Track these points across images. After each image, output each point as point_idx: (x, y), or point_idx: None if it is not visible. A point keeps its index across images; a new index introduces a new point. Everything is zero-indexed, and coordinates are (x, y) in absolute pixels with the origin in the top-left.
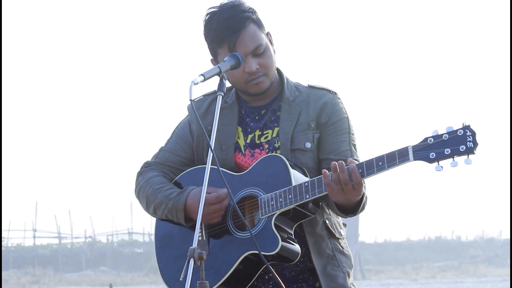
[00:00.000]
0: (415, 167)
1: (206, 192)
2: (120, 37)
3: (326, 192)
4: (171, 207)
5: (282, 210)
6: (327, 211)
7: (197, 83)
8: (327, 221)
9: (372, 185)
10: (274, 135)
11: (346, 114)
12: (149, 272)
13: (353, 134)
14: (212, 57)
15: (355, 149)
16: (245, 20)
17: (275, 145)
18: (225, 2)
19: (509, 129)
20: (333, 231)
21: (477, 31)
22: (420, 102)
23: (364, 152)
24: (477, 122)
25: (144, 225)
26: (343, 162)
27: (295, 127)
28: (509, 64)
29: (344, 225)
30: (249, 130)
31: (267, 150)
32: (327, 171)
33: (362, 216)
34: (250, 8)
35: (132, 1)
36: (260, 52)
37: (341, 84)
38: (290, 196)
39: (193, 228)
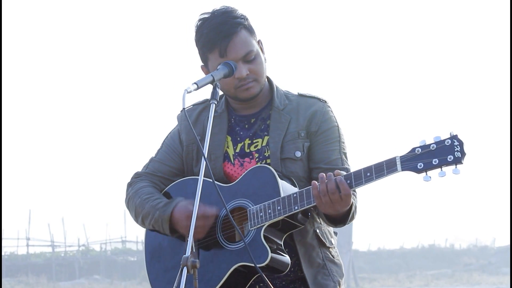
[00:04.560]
0: (406, 176)
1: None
2: (104, 46)
3: (315, 203)
4: (157, 217)
5: (271, 221)
6: (318, 220)
7: (190, 92)
8: (317, 230)
9: (365, 192)
10: (264, 144)
11: (336, 122)
12: (142, 281)
13: (343, 143)
14: (202, 63)
15: (346, 158)
16: (236, 26)
17: (265, 154)
18: (217, 8)
19: (510, 136)
20: (324, 240)
21: (466, 37)
22: (409, 110)
23: (352, 161)
24: (470, 130)
25: (138, 233)
26: (331, 173)
27: (285, 136)
28: (505, 74)
29: (335, 233)
30: (238, 139)
31: (257, 159)
32: (316, 182)
33: (355, 224)
34: (242, 15)
35: (116, 13)
36: (251, 58)
37: (331, 93)
38: (279, 208)
39: (182, 239)
